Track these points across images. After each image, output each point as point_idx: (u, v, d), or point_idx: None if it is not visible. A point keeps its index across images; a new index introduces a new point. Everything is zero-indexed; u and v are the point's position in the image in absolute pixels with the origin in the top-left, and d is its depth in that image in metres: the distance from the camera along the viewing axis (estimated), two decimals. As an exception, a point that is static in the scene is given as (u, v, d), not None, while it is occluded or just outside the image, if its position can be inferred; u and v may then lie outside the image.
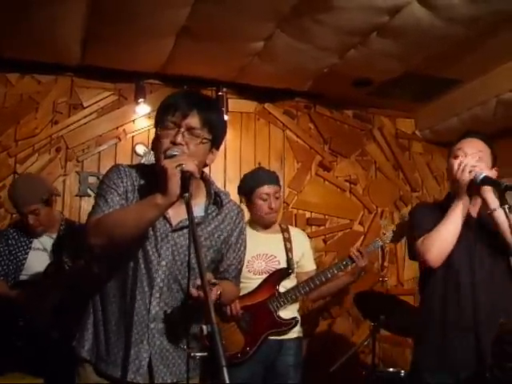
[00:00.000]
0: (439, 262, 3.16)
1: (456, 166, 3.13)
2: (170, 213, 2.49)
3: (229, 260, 2.71)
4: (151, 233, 2.48)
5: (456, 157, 3.23)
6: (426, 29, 4.33)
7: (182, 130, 2.41)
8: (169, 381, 2.51)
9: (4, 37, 4.85)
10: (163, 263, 2.49)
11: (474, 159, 3.14)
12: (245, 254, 2.84)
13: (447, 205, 3.27)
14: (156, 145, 2.47)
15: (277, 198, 4.33)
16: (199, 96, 2.63)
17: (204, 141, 2.48)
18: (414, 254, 3.31)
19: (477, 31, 4.38)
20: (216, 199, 2.62)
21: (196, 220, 2.44)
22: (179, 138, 2.39)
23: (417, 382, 3.29)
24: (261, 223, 4.41)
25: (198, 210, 2.55)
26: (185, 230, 2.50)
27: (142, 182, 2.55)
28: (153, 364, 2.47)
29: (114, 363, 2.47)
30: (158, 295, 2.49)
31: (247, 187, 4.41)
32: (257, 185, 4.34)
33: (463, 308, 3.13)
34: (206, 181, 2.67)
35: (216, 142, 2.57)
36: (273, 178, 4.38)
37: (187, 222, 2.41)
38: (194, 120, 2.43)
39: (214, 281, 2.40)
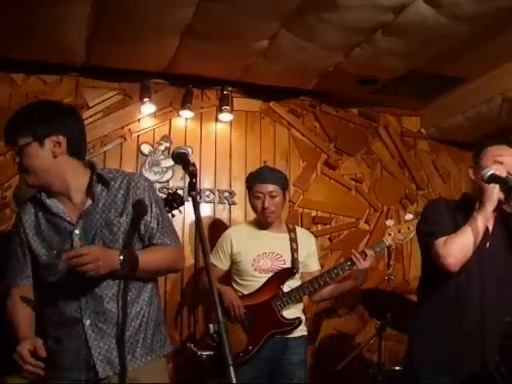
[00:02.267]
0: (457, 268, 3.11)
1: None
2: (67, 212, 2.67)
3: (150, 226, 2.74)
4: (63, 236, 2.66)
5: (496, 162, 3.19)
6: (431, 26, 4.32)
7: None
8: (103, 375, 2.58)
9: (9, 37, 4.86)
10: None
11: None
12: (167, 216, 2.91)
13: (465, 207, 3.27)
14: None
15: (272, 198, 4.29)
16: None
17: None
18: (429, 251, 3.22)
19: (482, 28, 4.37)
20: (99, 180, 2.73)
21: (88, 210, 2.66)
22: None
23: (417, 381, 3.26)
24: (260, 222, 4.41)
25: (87, 200, 2.69)
26: (85, 218, 2.65)
27: None
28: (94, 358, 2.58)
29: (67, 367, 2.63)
30: (84, 300, 2.63)
31: (247, 185, 4.47)
32: (253, 183, 4.36)
33: (470, 308, 3.12)
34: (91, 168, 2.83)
35: None
36: (271, 177, 4.35)
37: (83, 214, 2.66)
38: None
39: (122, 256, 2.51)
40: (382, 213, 6.35)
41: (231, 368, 1.68)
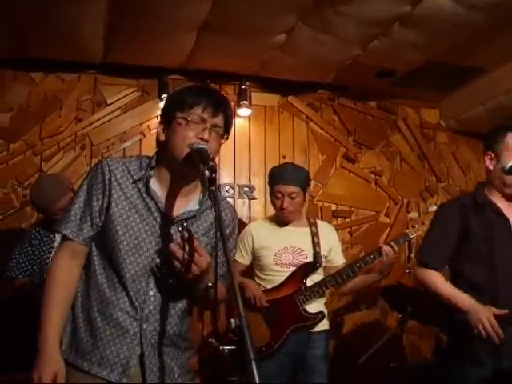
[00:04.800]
0: None
1: None
2: (167, 207, 2.51)
3: (219, 258, 2.53)
4: (146, 228, 2.47)
5: None
6: (448, 17, 4.30)
7: (208, 126, 2.44)
8: (158, 381, 2.43)
9: (27, 36, 4.90)
10: (158, 260, 2.46)
11: None
12: (234, 254, 2.83)
13: (479, 200, 3.31)
14: (176, 134, 2.48)
15: (292, 199, 4.25)
16: (223, 96, 2.65)
17: (224, 139, 2.55)
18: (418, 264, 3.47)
19: (499, 18, 4.34)
20: (210, 194, 2.54)
21: (191, 214, 2.53)
22: (206, 135, 2.42)
23: (458, 372, 3.25)
24: (280, 218, 4.41)
25: (192, 203, 2.57)
26: (186, 222, 2.50)
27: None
28: (145, 366, 2.41)
29: (99, 362, 2.39)
30: (152, 293, 2.46)
31: (269, 182, 4.43)
32: (274, 182, 4.34)
33: (506, 298, 3.11)
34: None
35: (226, 139, 2.61)
36: (293, 178, 4.30)
37: (184, 216, 2.50)
38: (219, 119, 2.49)
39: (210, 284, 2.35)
40: (402, 206, 6.33)
41: (253, 363, 1.68)
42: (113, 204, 2.47)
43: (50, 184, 4.36)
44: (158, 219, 2.49)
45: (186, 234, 2.26)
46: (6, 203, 5.37)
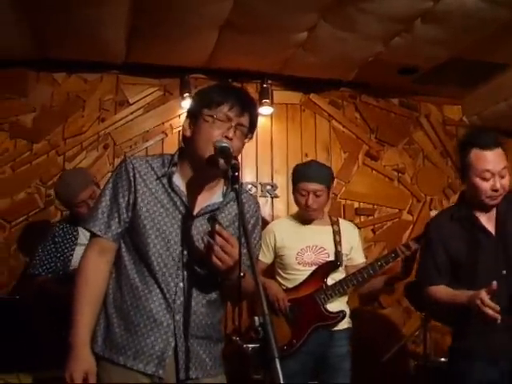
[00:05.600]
0: None
1: None
2: (191, 201, 2.54)
3: (244, 249, 2.66)
4: (173, 221, 2.51)
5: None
6: (471, 13, 4.27)
7: (234, 124, 2.48)
8: (193, 376, 2.47)
9: (50, 37, 4.94)
10: (185, 252, 2.50)
11: None
12: (260, 245, 2.86)
13: (464, 215, 3.33)
14: (202, 131, 2.50)
15: (317, 196, 4.24)
16: (250, 96, 2.68)
17: (247, 138, 2.59)
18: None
19: (523, 13, 4.31)
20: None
21: (216, 206, 2.58)
22: (231, 134, 2.46)
23: (459, 370, 3.27)
24: (302, 216, 4.40)
25: (216, 196, 2.61)
26: (207, 216, 2.55)
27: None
28: (178, 357, 2.44)
29: (135, 355, 2.42)
30: (182, 284, 2.49)
31: (292, 179, 4.42)
32: (298, 179, 4.33)
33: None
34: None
35: (250, 138, 2.64)
36: (318, 176, 4.29)
37: (208, 208, 2.54)
38: (245, 119, 2.52)
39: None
40: (425, 203, 6.30)
41: (277, 360, 1.68)
42: (139, 200, 2.52)
43: (73, 177, 4.41)
44: (184, 212, 2.53)
45: (217, 226, 2.34)
46: (30, 203, 5.42)
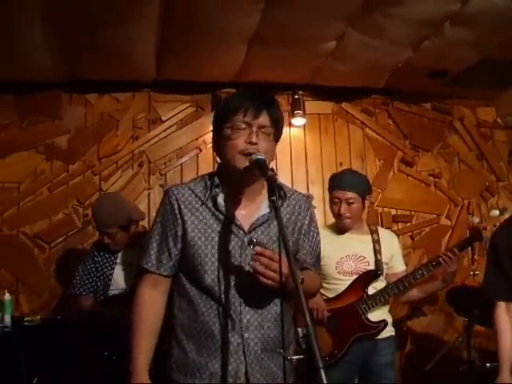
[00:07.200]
0: None
1: None
2: (240, 218, 2.55)
3: (305, 249, 2.70)
4: (226, 243, 2.52)
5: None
6: (500, 12, 4.23)
7: (255, 129, 2.46)
8: None
9: (82, 60, 5.00)
10: (244, 270, 2.50)
11: None
12: (319, 240, 2.82)
13: None
14: (227, 145, 2.51)
15: (349, 204, 4.22)
16: (264, 94, 2.64)
17: (274, 137, 2.55)
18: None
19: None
20: (280, 193, 2.57)
21: (265, 218, 2.57)
22: (254, 138, 2.44)
23: None
24: (339, 226, 4.38)
25: (263, 207, 2.60)
26: (261, 228, 2.56)
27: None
28: (249, 373, 2.47)
29: (210, 378, 2.47)
30: (245, 302, 2.51)
31: (328, 188, 4.41)
32: (332, 188, 4.33)
33: None
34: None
35: (279, 136, 2.62)
36: (351, 184, 4.27)
37: (259, 222, 2.54)
38: (264, 119, 2.50)
39: (302, 277, 2.38)
40: (462, 207, 6.24)
41: (322, 371, 1.67)
42: (188, 230, 2.54)
43: (106, 208, 4.37)
44: (236, 232, 2.54)
45: (257, 248, 2.34)
46: (67, 223, 5.48)
